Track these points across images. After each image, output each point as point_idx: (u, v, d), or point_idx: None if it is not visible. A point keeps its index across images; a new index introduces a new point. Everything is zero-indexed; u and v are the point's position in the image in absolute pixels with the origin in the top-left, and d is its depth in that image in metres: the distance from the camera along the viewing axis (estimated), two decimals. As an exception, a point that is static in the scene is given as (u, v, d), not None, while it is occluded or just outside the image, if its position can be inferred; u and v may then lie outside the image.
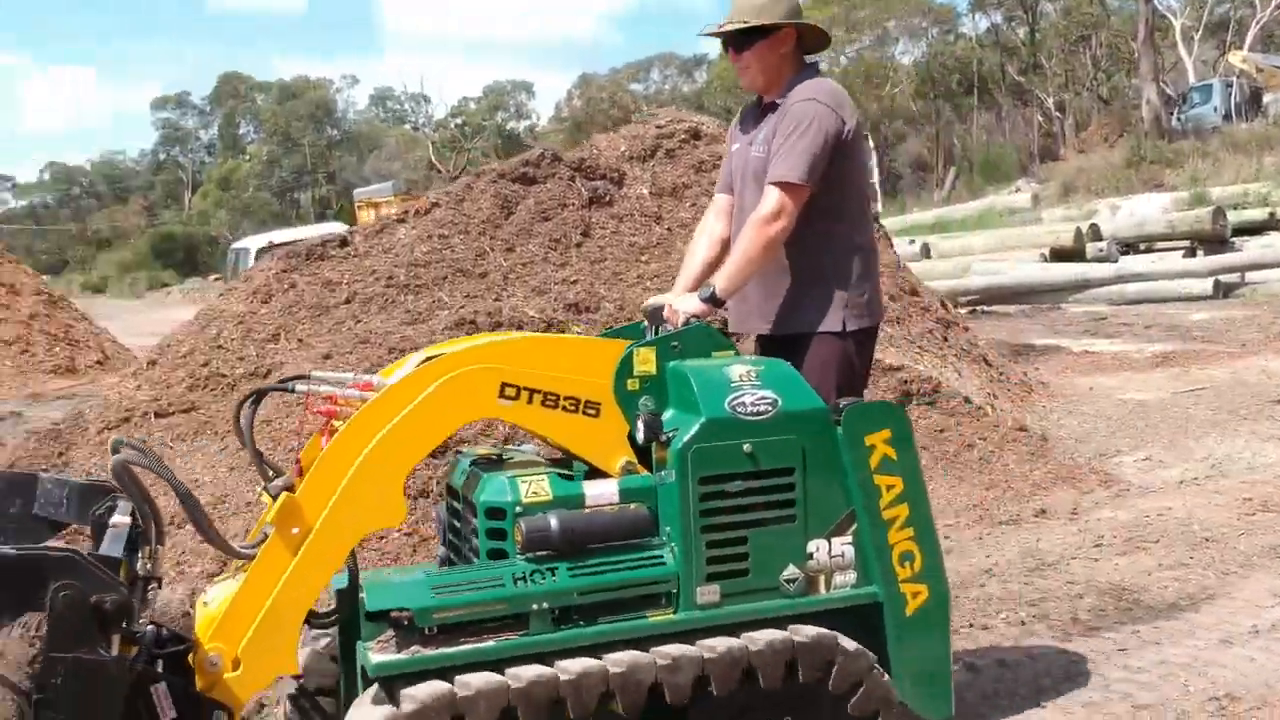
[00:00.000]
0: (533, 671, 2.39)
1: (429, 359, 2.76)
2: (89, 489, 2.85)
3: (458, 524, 2.88)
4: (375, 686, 2.39)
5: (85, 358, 22.47)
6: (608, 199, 7.93)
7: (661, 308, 3.12)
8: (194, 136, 79.85)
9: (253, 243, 17.84)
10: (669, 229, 7.87)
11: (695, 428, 2.61)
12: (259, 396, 2.80)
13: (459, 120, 68.40)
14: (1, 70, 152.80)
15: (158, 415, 6.39)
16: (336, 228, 18.89)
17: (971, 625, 4.20)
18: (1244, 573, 4.59)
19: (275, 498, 2.52)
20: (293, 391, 2.83)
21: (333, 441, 2.55)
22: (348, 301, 6.98)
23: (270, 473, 2.76)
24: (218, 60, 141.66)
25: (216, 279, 53.20)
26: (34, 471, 3.00)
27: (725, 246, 3.47)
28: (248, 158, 70.01)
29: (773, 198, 3.14)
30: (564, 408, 2.67)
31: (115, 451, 2.56)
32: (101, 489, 2.84)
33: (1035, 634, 4.08)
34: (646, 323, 3.14)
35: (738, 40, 3.33)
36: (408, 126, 74.40)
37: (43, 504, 2.83)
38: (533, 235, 7.47)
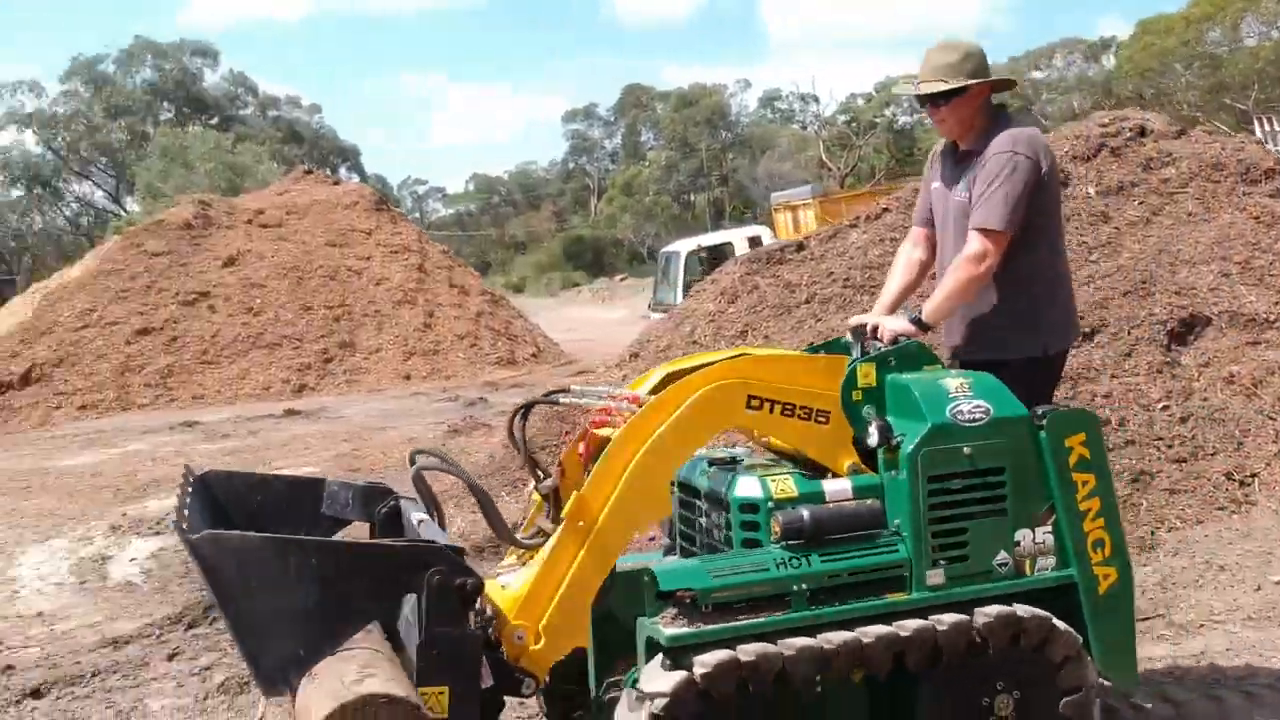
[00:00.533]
0: (801, 642, 2.82)
1: (671, 374, 3.22)
2: (370, 490, 3.39)
3: (690, 516, 3.35)
4: (660, 655, 2.80)
5: (523, 350, 25.02)
6: (1053, 200, 8.08)
7: (864, 325, 3.49)
8: (599, 145, 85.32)
9: (683, 246, 19.10)
10: (1117, 228, 7.92)
11: (923, 433, 3.02)
12: (529, 408, 3.34)
13: (846, 117, 68.54)
14: (424, 88, 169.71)
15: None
16: (757, 230, 19.91)
17: None
18: None
19: (545, 497, 3.07)
20: (556, 404, 3.38)
21: (610, 447, 3.03)
22: (807, 301, 7.63)
23: (540, 474, 3.25)
24: (615, 71, 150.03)
25: (623, 279, 56.85)
26: (320, 476, 3.56)
27: (921, 272, 3.93)
28: (647, 164, 73.87)
29: (976, 243, 3.50)
30: (799, 416, 3.13)
31: (412, 462, 3.12)
32: (381, 490, 3.39)
33: None
34: (851, 338, 3.46)
35: (934, 97, 3.64)
36: (795, 126, 75.62)
37: (329, 504, 3.32)
38: (980, 237, 7.78)
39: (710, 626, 2.81)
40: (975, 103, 3.71)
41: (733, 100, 76.37)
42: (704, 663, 2.73)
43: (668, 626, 2.80)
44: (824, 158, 64.77)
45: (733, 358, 3.27)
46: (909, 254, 4.00)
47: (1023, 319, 3.64)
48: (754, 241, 18.62)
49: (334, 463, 10.16)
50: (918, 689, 2.96)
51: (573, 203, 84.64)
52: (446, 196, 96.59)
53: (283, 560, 2.59)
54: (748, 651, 2.77)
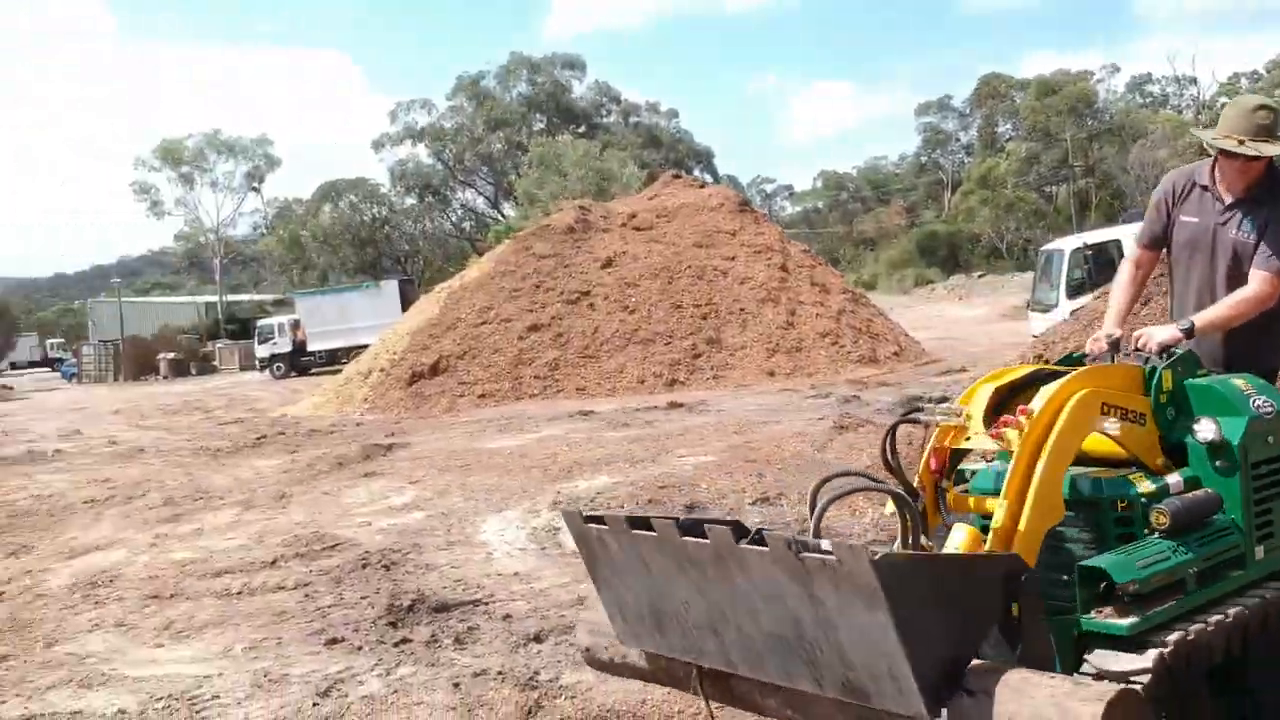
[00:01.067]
0: (1223, 619, 3.15)
1: (1000, 388, 3.39)
2: None
3: None
4: (1109, 646, 2.99)
5: (884, 349, 25.11)
6: None
7: (1118, 338, 3.83)
8: (954, 138, 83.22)
9: (1066, 244, 18.52)
10: None
11: (1244, 427, 3.37)
12: (895, 429, 3.49)
13: (1225, 100, 63.04)
14: (769, 87, 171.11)
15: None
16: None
17: None
18: None
19: (902, 510, 3.17)
20: (917, 423, 3.55)
21: (1016, 457, 3.16)
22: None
23: (905, 484, 3.37)
24: (966, 62, 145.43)
25: (980, 276, 55.30)
26: None
27: (1140, 289, 4.34)
28: (1006, 156, 71.25)
29: (1266, 283, 3.90)
30: (1128, 419, 3.40)
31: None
32: None
33: None
34: (1102, 350, 3.77)
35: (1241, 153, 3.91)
36: (1170, 111, 70.40)
37: None
38: None
39: (1152, 611, 3.05)
40: (1268, 161, 4.05)
41: (1099, 86, 72.31)
42: (1166, 641, 2.99)
43: (1121, 618, 3.04)
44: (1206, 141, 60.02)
45: (1086, 370, 3.49)
46: (1132, 273, 4.33)
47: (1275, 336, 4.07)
48: (1143, 237, 17.74)
49: (730, 453, 10.82)
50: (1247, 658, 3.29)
51: (925, 197, 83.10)
52: (794, 194, 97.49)
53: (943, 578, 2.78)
54: (1203, 623, 3.10)
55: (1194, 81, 68.39)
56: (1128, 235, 18.15)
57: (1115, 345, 3.80)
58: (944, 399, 4.03)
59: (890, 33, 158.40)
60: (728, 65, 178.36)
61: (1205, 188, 4.16)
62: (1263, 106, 4.01)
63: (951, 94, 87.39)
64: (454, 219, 71.52)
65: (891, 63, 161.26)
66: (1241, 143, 3.91)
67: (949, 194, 75.92)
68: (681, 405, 16.44)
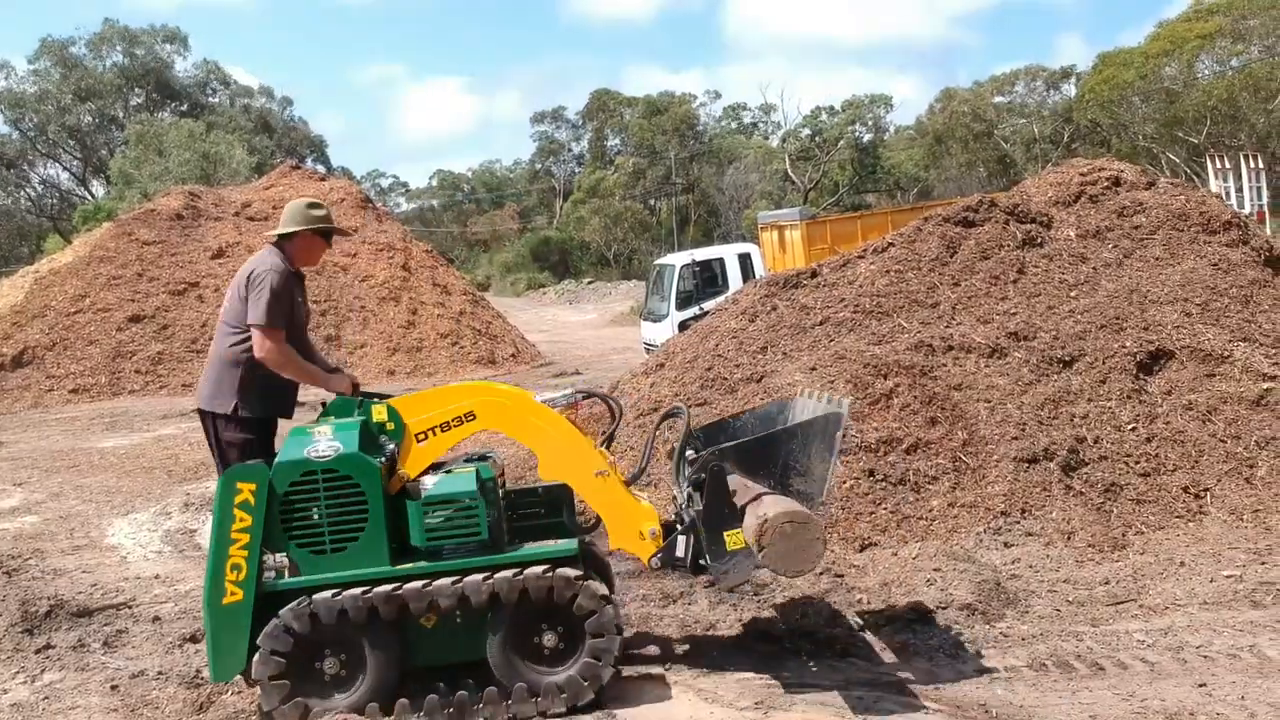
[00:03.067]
0: None
1: None
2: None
3: None
4: None
5: (503, 350, 25.79)
6: (1039, 241, 9.11)
7: None
8: (566, 148, 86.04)
9: (677, 259, 19.99)
10: (1094, 268, 8.95)
11: None
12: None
13: (808, 131, 69.81)
14: (383, 80, 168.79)
15: (679, 407, 8.25)
16: (748, 248, 20.88)
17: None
18: None
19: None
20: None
21: None
22: (822, 324, 8.57)
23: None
24: (577, 70, 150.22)
25: (590, 282, 57.64)
26: None
27: None
28: (615, 168, 74.72)
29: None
30: None
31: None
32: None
33: None
34: None
35: None
36: (759, 137, 76.81)
37: None
38: (975, 272, 8.79)
39: None
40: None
41: (701, 110, 77.53)
42: None
43: None
44: (790, 171, 66.07)
45: None
46: None
47: None
48: (744, 258, 19.56)
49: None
50: None
51: (538, 203, 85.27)
52: (410, 191, 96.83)
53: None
54: None
55: (775, 109, 74.91)
56: (731, 254, 20.03)
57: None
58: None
59: (504, 32, 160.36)
60: (342, 54, 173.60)
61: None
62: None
63: (565, 105, 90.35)
64: (32, 194, 64.97)
65: (506, 66, 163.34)
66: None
67: (561, 201, 78.46)
68: (303, 404, 16.17)
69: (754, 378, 8.24)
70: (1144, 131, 52.60)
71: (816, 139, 68.51)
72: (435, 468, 4.58)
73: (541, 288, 59.09)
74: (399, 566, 4.30)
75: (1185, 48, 52.01)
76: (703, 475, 4.33)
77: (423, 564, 4.32)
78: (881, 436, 7.16)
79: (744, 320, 8.91)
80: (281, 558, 4.31)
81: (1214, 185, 41.10)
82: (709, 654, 4.92)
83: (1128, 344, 8.13)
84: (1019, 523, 6.64)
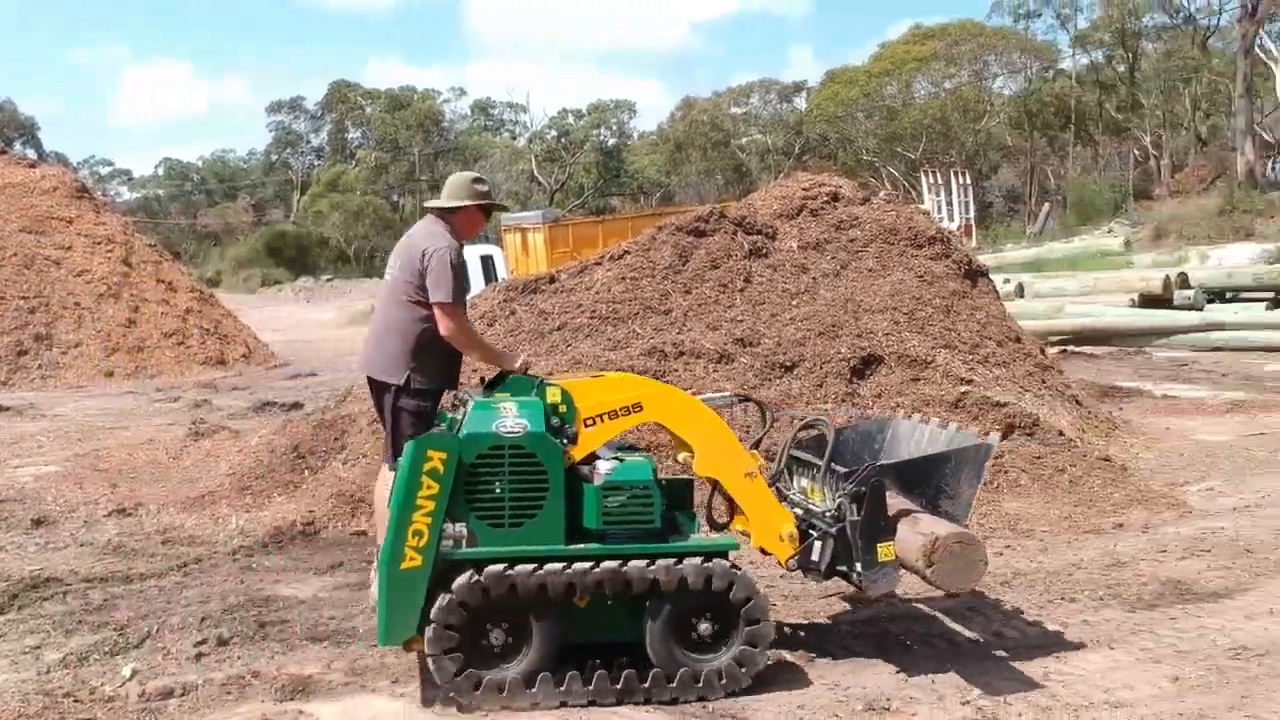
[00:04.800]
0: None
1: None
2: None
3: None
4: None
5: (233, 351, 24.71)
6: (764, 251, 9.57)
7: None
8: (304, 140, 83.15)
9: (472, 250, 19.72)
10: (814, 278, 9.49)
11: None
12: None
13: (555, 133, 70.47)
14: (102, 61, 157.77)
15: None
16: (489, 249, 20.80)
17: (1061, 599, 5.74)
18: (1271, 575, 6.07)
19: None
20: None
21: None
22: (559, 329, 8.70)
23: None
24: (314, 59, 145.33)
25: (329, 279, 55.96)
26: None
27: None
28: (356, 162, 72.93)
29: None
30: None
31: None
32: None
33: (1109, 605, 5.62)
34: None
35: None
36: (505, 135, 76.84)
37: None
38: (705, 280, 9.14)
39: None
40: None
41: (446, 106, 76.73)
42: None
43: None
44: (535, 172, 66.44)
45: None
46: None
47: None
48: (486, 260, 19.51)
49: (76, 462, 10.23)
50: None
51: (273, 196, 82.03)
52: (133, 180, 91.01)
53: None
54: None
55: (525, 109, 74.99)
56: (473, 255, 19.94)
57: None
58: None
59: (235, 13, 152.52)
60: (59, 31, 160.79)
61: None
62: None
63: (304, 95, 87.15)
64: None
65: (236, 50, 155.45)
66: None
67: (298, 195, 75.81)
68: (8, 409, 14.97)
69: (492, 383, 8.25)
70: (867, 146, 56.02)
71: (562, 140, 69.21)
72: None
73: (277, 284, 56.85)
74: (570, 546, 4.48)
75: (904, 69, 55.75)
76: (863, 489, 4.59)
77: (593, 546, 4.51)
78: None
79: (483, 325, 8.91)
80: (461, 527, 4.41)
81: (927, 199, 44.40)
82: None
83: (843, 350, 8.66)
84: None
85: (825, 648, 5.10)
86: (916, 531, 4.55)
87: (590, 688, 4.41)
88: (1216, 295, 20.84)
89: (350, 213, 62.70)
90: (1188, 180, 42.27)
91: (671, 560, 4.49)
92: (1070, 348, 18.06)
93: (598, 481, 4.53)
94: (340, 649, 5.17)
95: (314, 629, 5.45)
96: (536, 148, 68.84)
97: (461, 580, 4.33)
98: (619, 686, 4.44)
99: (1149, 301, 19.74)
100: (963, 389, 8.64)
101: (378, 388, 5.22)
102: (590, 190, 67.05)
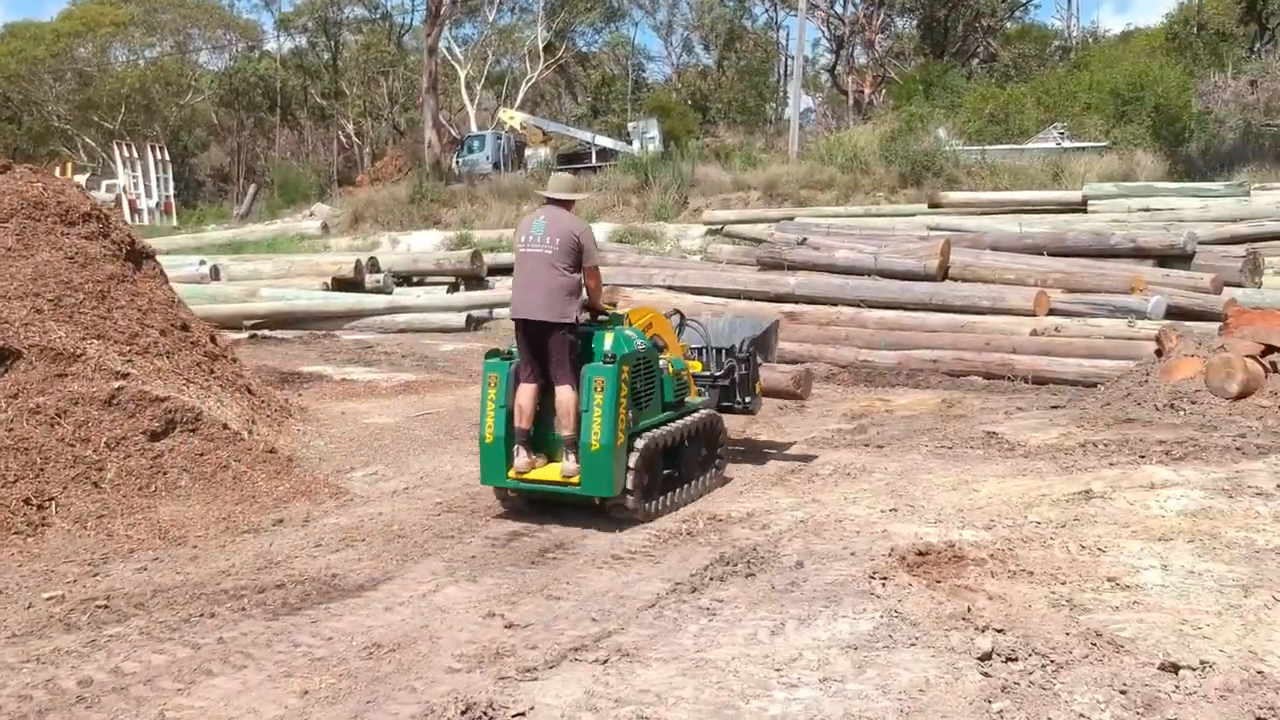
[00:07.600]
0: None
1: None
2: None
3: None
4: None
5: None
6: None
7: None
8: None
9: None
10: (-69, 258, 7.92)
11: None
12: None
13: None
14: None
15: None
16: None
17: (202, 615, 5.26)
18: (418, 559, 6.20)
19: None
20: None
21: None
22: None
23: None
24: None
25: None
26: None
27: None
28: None
29: None
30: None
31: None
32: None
33: (252, 615, 5.26)
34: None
35: None
36: None
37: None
38: None
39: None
40: None
41: None
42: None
43: None
44: None
45: None
46: None
47: None
48: None
49: None
50: None
51: None
52: None
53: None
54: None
55: None
56: None
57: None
58: None
59: None
60: None
61: None
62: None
63: None
64: None
65: None
66: None
67: None
68: None
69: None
70: (58, 111, 50.94)
71: None
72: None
73: None
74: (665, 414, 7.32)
75: (99, 31, 51.66)
76: (746, 355, 8.37)
77: (670, 413, 7.36)
78: None
79: None
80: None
81: (122, 174, 41.56)
82: None
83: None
84: None
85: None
86: (778, 373, 8.72)
87: (675, 495, 7.24)
88: (404, 279, 22.05)
89: None
90: (386, 169, 44.38)
91: (699, 415, 7.60)
92: (265, 332, 17.83)
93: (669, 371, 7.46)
94: None
95: None
96: None
97: (643, 443, 6.76)
98: (679, 490, 7.29)
99: (342, 285, 20.17)
100: (117, 384, 7.79)
101: (546, 328, 6.72)
102: None
